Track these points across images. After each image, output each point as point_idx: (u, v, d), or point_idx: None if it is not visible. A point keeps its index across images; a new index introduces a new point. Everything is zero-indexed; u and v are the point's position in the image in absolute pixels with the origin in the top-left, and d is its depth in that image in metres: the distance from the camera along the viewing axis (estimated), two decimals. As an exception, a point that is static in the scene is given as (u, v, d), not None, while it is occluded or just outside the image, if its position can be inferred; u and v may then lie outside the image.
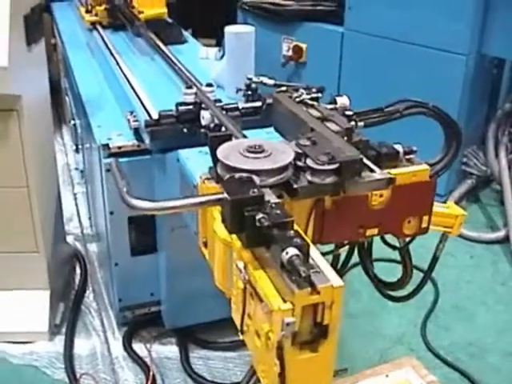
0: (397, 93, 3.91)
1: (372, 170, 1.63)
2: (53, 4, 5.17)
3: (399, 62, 4.12)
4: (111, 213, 2.63)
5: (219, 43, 4.55)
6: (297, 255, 1.22)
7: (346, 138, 1.69)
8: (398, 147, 1.80)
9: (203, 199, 1.47)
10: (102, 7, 3.99)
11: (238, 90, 2.54)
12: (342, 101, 2.07)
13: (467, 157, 4.23)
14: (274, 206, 1.36)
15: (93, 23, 4.01)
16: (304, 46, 4.68)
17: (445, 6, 3.82)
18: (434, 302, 3.31)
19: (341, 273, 2.06)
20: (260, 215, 1.32)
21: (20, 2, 2.50)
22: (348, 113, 1.99)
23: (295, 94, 2.06)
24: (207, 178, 1.70)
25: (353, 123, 1.96)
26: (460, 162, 4.22)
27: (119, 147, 2.50)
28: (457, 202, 4.14)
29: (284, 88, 2.36)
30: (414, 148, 1.83)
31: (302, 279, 1.20)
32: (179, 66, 2.93)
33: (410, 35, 4.03)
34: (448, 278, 3.48)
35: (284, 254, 1.23)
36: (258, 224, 1.31)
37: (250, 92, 2.49)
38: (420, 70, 4.03)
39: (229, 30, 2.88)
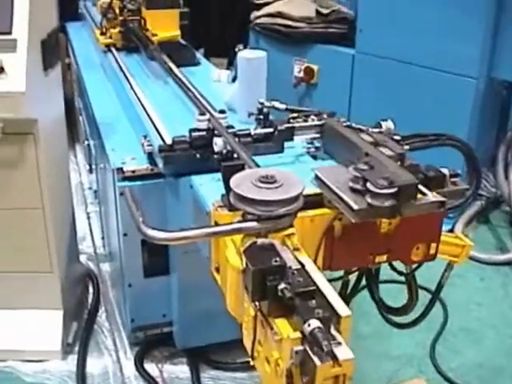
0: (407, 115, 3.99)
1: (423, 193, 1.68)
2: (67, 24, 5.25)
3: (409, 85, 4.16)
4: (125, 235, 2.66)
5: (231, 63, 4.59)
6: (319, 327, 1.25)
7: (399, 163, 1.73)
8: (445, 171, 1.87)
9: (217, 230, 1.51)
10: (117, 30, 4.03)
11: (250, 115, 2.58)
12: (388, 125, 2.12)
13: (477, 179, 4.25)
14: (295, 272, 1.40)
15: (107, 45, 4.03)
16: (315, 67, 4.72)
17: (455, 30, 3.85)
18: (443, 324, 3.32)
19: (350, 299, 2.10)
20: (282, 285, 1.35)
21: (37, 28, 2.55)
22: (396, 137, 2.04)
23: (342, 119, 2.12)
24: (220, 206, 1.74)
25: (405, 147, 2.02)
26: (470, 184, 4.23)
27: (133, 171, 2.54)
28: (467, 224, 4.17)
29: (295, 114, 2.41)
30: (459, 171, 1.88)
31: (324, 353, 1.23)
32: (193, 91, 2.96)
33: (420, 58, 4.06)
34: (457, 300, 3.49)
35: (306, 325, 1.26)
36: (280, 294, 1.34)
37: (261, 116, 2.52)
38: (430, 93, 4.06)
39: (241, 54, 2.91)
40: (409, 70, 4.14)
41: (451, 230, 4.09)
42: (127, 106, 3.17)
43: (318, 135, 2.34)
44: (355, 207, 1.56)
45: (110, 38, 4.04)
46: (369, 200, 1.56)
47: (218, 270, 1.81)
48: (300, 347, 1.28)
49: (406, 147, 2.05)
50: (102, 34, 4.10)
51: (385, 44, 4.26)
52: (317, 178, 1.74)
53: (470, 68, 3.87)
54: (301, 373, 1.30)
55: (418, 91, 4.12)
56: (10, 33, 2.43)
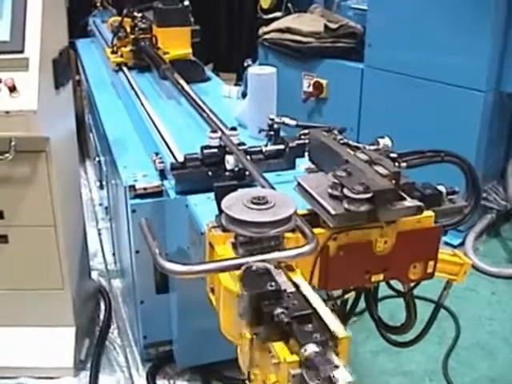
0: (416, 128, 4.00)
1: (404, 199, 1.70)
2: (77, 41, 5.28)
3: (418, 98, 4.16)
4: (137, 252, 2.66)
5: (240, 78, 4.60)
6: (316, 352, 1.25)
7: (394, 181, 1.74)
8: (441, 188, 1.89)
9: (233, 263, 1.51)
10: (128, 48, 4.02)
11: (261, 131, 2.59)
12: (385, 142, 2.13)
13: (487, 192, 4.23)
14: (291, 295, 1.41)
15: (118, 64, 4.04)
16: (324, 82, 4.72)
17: (463, 44, 3.85)
18: (455, 338, 3.31)
19: (349, 317, 2.10)
20: (278, 310, 1.35)
21: (49, 46, 2.56)
22: (392, 155, 2.05)
23: (339, 137, 2.13)
24: (214, 227, 1.75)
25: (402, 165, 2.02)
26: (480, 197, 4.22)
27: (145, 188, 2.54)
28: (477, 237, 4.16)
29: (306, 130, 2.42)
30: (457, 189, 1.89)
31: (321, 379, 1.22)
32: (204, 108, 2.97)
33: (429, 72, 4.06)
34: (469, 314, 3.49)
35: (303, 350, 1.26)
36: (276, 319, 1.34)
37: (272, 132, 2.53)
38: (439, 106, 4.06)
39: (251, 71, 2.93)
40: (417, 83, 4.14)
41: (462, 244, 4.09)
42: (138, 123, 3.18)
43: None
44: (333, 212, 1.62)
45: (121, 56, 4.05)
46: (346, 205, 1.61)
47: (213, 290, 1.80)
48: (298, 371, 1.27)
49: (404, 165, 2.06)
50: (113, 52, 4.11)
51: (393, 58, 4.26)
52: (299, 185, 1.77)
53: (479, 81, 3.87)
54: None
55: (426, 105, 4.12)
56: (22, 51, 2.44)
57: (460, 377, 3.05)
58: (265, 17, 5.54)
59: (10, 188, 2.71)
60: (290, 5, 5.43)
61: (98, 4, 5.87)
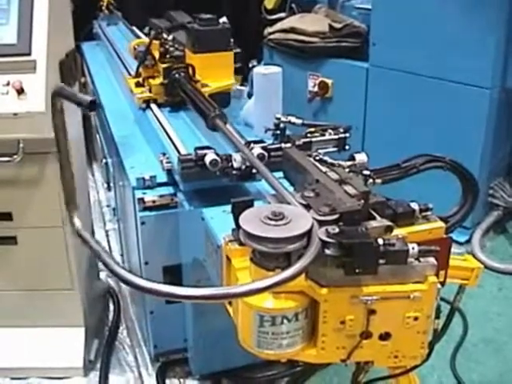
0: (422, 126, 3.99)
1: (374, 219, 1.68)
2: (82, 44, 5.30)
3: (424, 97, 4.16)
4: (146, 263, 2.67)
5: (245, 78, 4.61)
6: None
7: (363, 201, 1.70)
8: (414, 205, 1.84)
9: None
10: (158, 81, 3.29)
11: (267, 130, 2.59)
12: (361, 158, 2.13)
13: (493, 189, 4.24)
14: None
15: (146, 100, 3.32)
16: (330, 81, 4.72)
17: (467, 41, 3.86)
18: (463, 335, 3.31)
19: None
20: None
21: (55, 48, 2.58)
22: (366, 172, 2.04)
23: (315, 153, 2.13)
24: (231, 240, 1.76)
25: (370, 182, 2.01)
26: (486, 194, 4.23)
27: (153, 201, 2.56)
28: (484, 234, 4.16)
29: (312, 129, 2.43)
30: (430, 205, 1.86)
31: None
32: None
33: (434, 70, 4.06)
34: (477, 311, 3.48)
35: None
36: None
37: (278, 131, 2.54)
38: (445, 104, 4.06)
39: (257, 70, 2.94)
40: (422, 81, 4.14)
41: (468, 241, 4.10)
42: (145, 125, 3.20)
43: (335, 149, 2.36)
44: None
45: (150, 91, 3.33)
46: None
47: (230, 302, 1.82)
48: None
49: (379, 181, 2.05)
50: (139, 85, 3.41)
51: (398, 57, 4.26)
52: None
53: (484, 78, 3.87)
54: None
55: (432, 103, 4.12)
56: (29, 54, 2.46)
57: (468, 373, 3.06)
58: (269, 17, 5.54)
59: (19, 189, 2.73)
60: (294, 5, 5.43)
61: (104, 8, 5.87)
